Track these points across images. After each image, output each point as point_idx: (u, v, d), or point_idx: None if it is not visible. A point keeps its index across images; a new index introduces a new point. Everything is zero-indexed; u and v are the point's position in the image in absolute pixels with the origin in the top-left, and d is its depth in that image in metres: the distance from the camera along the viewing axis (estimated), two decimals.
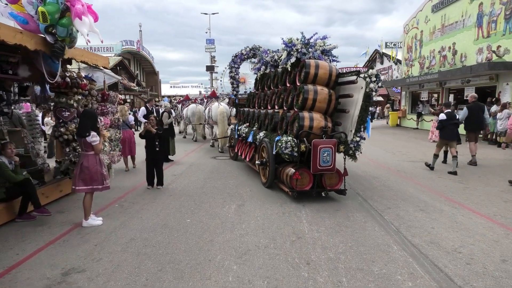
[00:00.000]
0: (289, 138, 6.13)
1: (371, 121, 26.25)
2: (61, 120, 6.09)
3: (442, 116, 8.79)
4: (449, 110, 8.95)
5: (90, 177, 5.11)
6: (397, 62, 35.10)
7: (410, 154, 11.58)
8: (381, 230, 4.85)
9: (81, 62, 6.14)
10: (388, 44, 39.30)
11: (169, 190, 7.16)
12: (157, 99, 41.53)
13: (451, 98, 20.17)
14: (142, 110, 11.66)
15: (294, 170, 6.17)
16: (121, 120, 7.91)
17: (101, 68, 7.08)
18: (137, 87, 39.36)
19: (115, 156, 7.35)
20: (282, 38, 7.08)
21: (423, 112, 22.03)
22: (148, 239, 4.58)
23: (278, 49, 7.97)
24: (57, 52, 4.97)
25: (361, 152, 6.34)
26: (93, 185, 5.16)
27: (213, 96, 15.30)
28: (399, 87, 27.67)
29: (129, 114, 12.65)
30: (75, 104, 6.09)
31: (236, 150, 10.17)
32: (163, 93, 53.81)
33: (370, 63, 43.45)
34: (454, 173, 8.35)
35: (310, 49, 6.80)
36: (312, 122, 6.11)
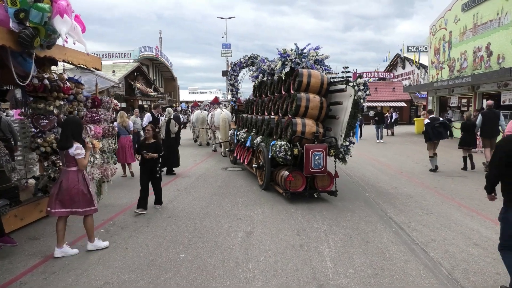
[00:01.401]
0: (283, 142, 6.41)
1: (395, 125, 24.49)
2: (38, 130, 5.18)
3: (427, 120, 9.85)
4: (433, 115, 10.25)
5: (70, 198, 4.23)
6: (420, 66, 33.40)
7: (444, 166, 10.25)
8: (430, 276, 3.70)
9: (64, 61, 5.25)
10: (410, 48, 37.68)
11: (168, 209, 6.17)
12: (174, 105, 41.09)
13: (484, 103, 18.57)
14: (147, 117, 10.73)
15: (288, 173, 6.47)
16: (116, 128, 6.98)
17: (92, 69, 6.18)
18: (155, 93, 38.84)
19: (108, 169, 6.40)
20: (278, 49, 7.42)
21: (452, 119, 20.34)
22: (126, 283, 3.57)
23: (274, 59, 8.28)
24: (25, 40, 4.09)
25: (351, 156, 6.54)
26: (73, 207, 4.27)
27: (215, 103, 16.03)
28: (424, 92, 26.00)
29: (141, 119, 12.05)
30: (55, 111, 5.17)
31: (235, 154, 10.39)
32: (181, 99, 53.44)
33: (391, 68, 41.85)
34: (435, 168, 9.67)
35: (303, 59, 7.13)
36: (304, 127, 6.46)
